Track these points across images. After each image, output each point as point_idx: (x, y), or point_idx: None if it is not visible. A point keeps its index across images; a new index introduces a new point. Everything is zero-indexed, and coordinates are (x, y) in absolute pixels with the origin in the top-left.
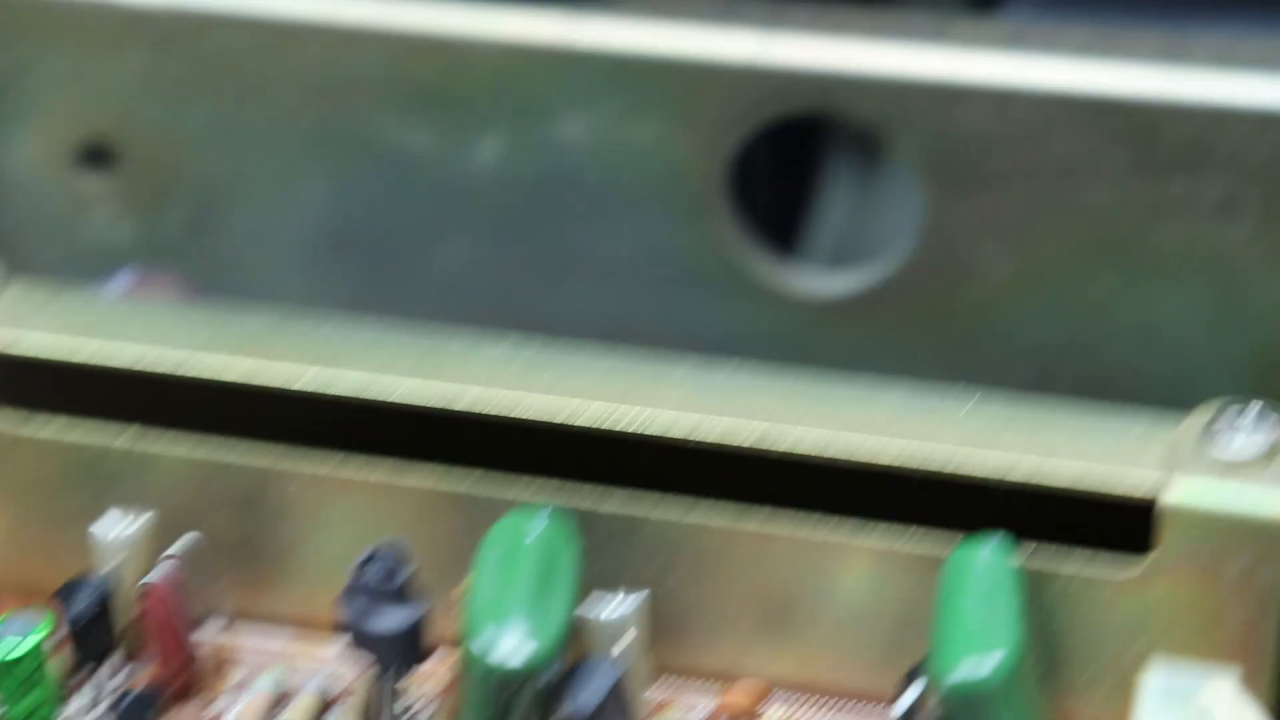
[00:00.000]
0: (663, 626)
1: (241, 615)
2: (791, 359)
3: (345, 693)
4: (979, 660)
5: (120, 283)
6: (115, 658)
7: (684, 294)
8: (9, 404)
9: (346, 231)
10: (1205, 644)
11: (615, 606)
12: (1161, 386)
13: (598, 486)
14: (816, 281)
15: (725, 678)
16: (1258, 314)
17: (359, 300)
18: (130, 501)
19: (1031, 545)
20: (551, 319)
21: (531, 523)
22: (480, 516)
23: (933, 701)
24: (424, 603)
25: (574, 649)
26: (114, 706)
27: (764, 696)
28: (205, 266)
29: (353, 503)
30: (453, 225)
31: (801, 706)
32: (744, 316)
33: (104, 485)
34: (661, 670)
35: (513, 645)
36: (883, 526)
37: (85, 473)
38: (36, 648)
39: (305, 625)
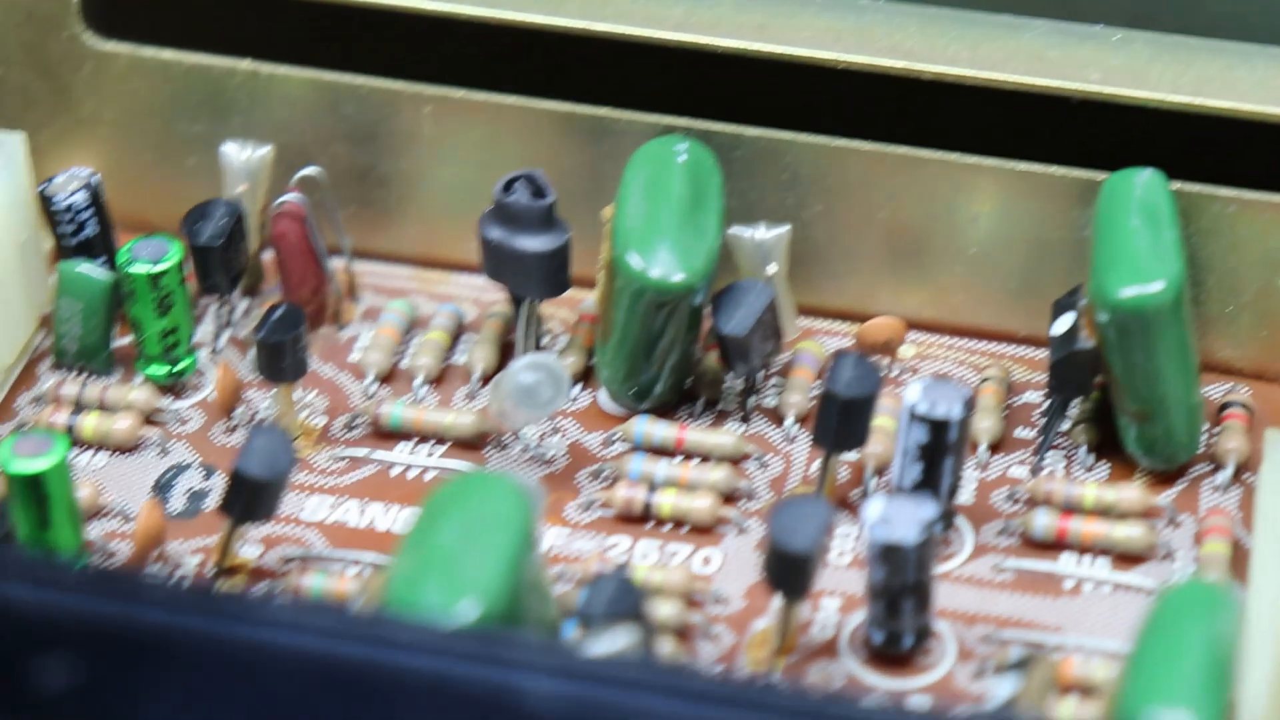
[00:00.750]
0: (799, 261)
1: (361, 253)
2: None
3: (476, 322)
4: (1149, 280)
5: None
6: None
7: None
8: (124, 31)
9: None
10: None
11: (765, 230)
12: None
13: (738, 116)
14: None
15: (858, 318)
16: None
17: None
18: (249, 133)
19: (1181, 175)
20: None
21: (678, 146)
22: (616, 143)
23: (1096, 319)
24: (568, 228)
25: (719, 276)
26: (260, 325)
27: (901, 334)
28: None
29: (482, 130)
30: None
31: (932, 345)
32: None
33: (223, 114)
34: (798, 308)
35: (669, 262)
36: (1027, 157)
37: (205, 99)
38: (175, 266)
39: (426, 264)
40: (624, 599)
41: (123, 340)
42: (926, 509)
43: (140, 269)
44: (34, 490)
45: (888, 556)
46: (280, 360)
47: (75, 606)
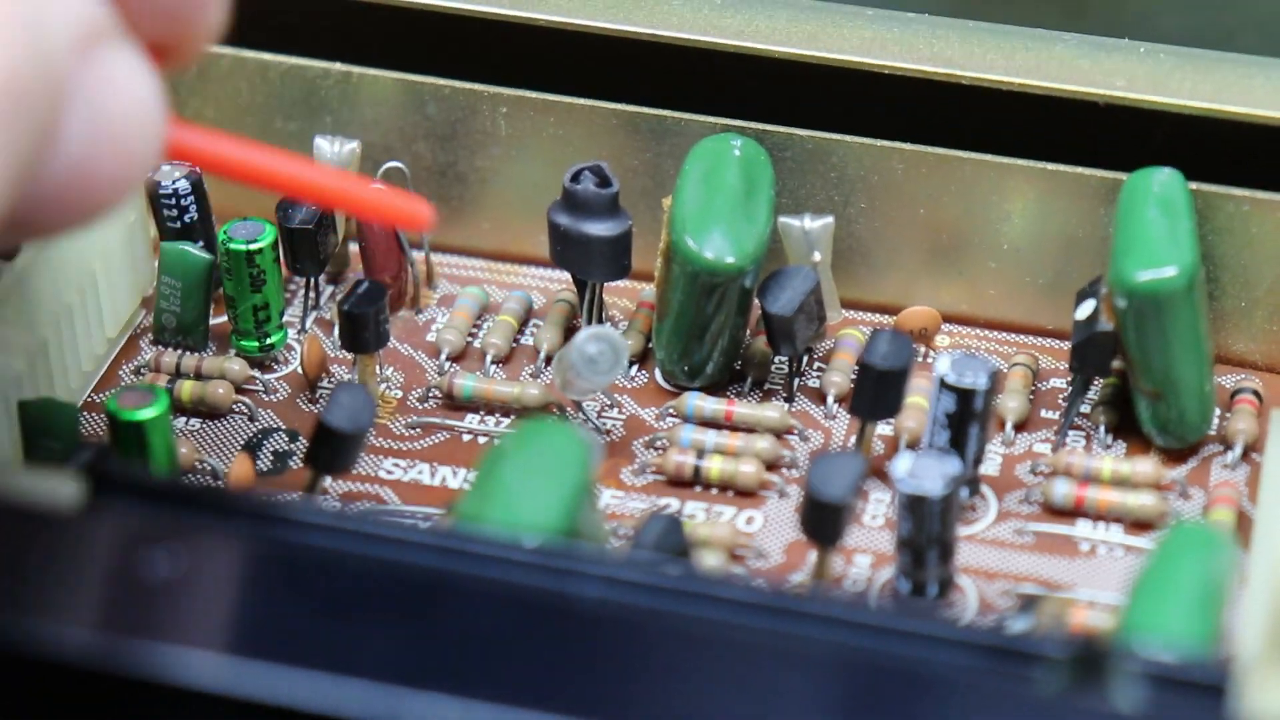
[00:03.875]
0: (842, 255)
1: (438, 246)
2: None
3: (544, 308)
4: (1164, 265)
5: None
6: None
7: None
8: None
9: None
10: None
11: (811, 219)
12: None
13: (790, 119)
14: None
15: (898, 311)
16: None
17: None
18: (339, 130)
19: (1199, 176)
20: None
21: (733, 142)
22: (677, 142)
23: (1115, 304)
24: (630, 217)
25: (768, 264)
26: (346, 297)
27: (936, 323)
28: None
29: (554, 129)
30: None
31: (968, 338)
32: None
33: (315, 112)
34: (842, 301)
35: (722, 245)
36: (1057, 159)
37: (300, 99)
38: (269, 246)
39: (498, 257)
40: (671, 537)
41: (219, 320)
42: (951, 465)
43: (237, 246)
44: (138, 437)
45: (914, 508)
46: (363, 330)
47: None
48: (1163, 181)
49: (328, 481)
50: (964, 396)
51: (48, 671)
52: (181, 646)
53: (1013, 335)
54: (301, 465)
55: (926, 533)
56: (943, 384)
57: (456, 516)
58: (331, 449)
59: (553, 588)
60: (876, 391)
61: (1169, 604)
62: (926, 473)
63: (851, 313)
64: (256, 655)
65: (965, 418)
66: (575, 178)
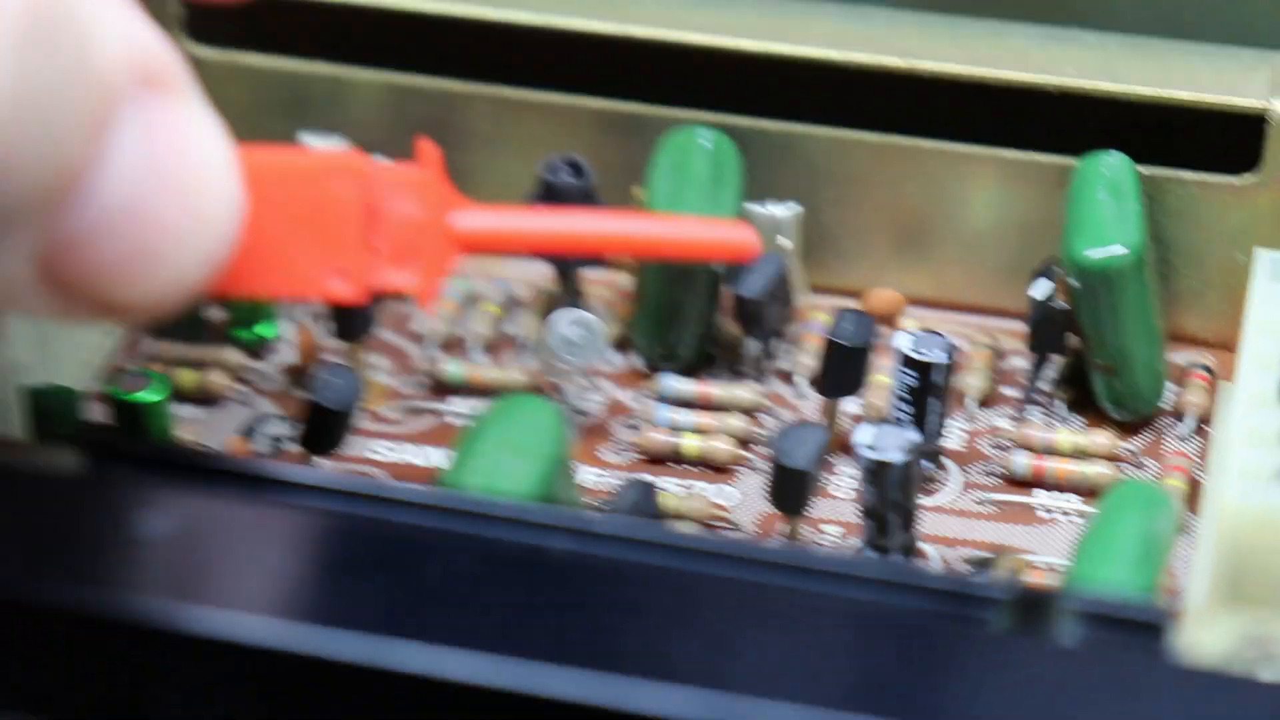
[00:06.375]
0: (810, 243)
1: None
2: None
3: (526, 298)
4: (1112, 243)
5: None
6: None
7: None
8: (218, 38)
9: None
10: None
11: (778, 207)
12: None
13: (757, 111)
14: None
15: (864, 296)
16: None
17: None
18: (326, 127)
19: (1151, 160)
20: None
21: (701, 134)
22: (648, 136)
23: (1069, 283)
24: (605, 204)
25: None
26: None
27: (900, 306)
28: None
29: (531, 126)
30: None
31: (932, 320)
32: None
33: (304, 111)
34: (811, 287)
35: None
36: (1014, 146)
37: (289, 99)
38: None
39: None
40: (646, 503)
41: (214, 312)
42: (911, 435)
43: None
44: (139, 419)
45: (876, 474)
46: (352, 319)
47: None
48: (1111, 165)
49: (323, 464)
50: (924, 370)
51: (60, 622)
52: (182, 601)
53: (975, 317)
54: (296, 447)
55: (889, 500)
56: (904, 359)
57: (439, 484)
58: (322, 427)
59: (528, 542)
60: (840, 368)
61: (1111, 557)
62: (887, 442)
63: (821, 298)
64: (254, 609)
65: (926, 391)
66: (551, 170)
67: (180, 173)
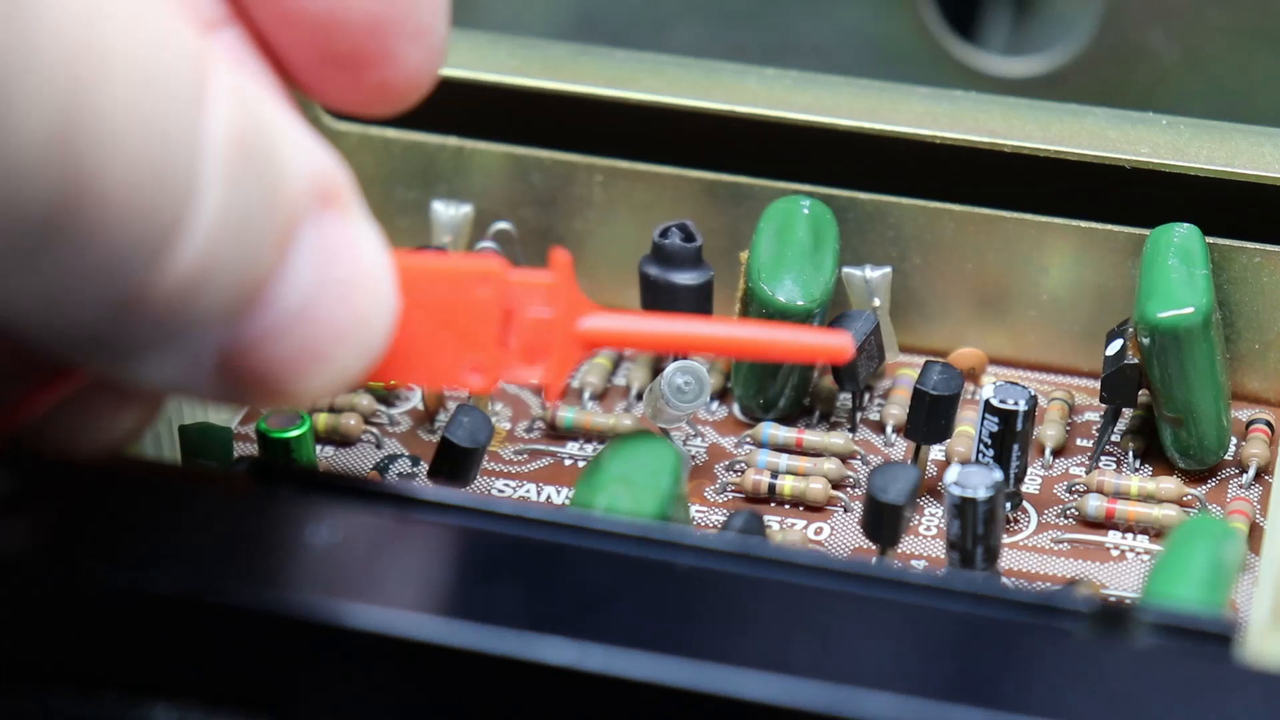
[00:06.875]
0: (899, 305)
1: None
2: None
3: (635, 352)
4: (1183, 305)
5: None
6: None
7: (888, 74)
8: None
9: (590, 19)
10: None
11: (871, 270)
12: None
13: (852, 184)
14: (1007, 63)
15: (948, 355)
16: None
17: None
18: (452, 195)
19: (1217, 232)
20: None
21: (802, 203)
22: (753, 205)
23: (1140, 340)
24: (711, 268)
25: (833, 308)
26: None
27: (983, 363)
28: None
29: (643, 195)
30: (684, 13)
31: (1011, 378)
32: None
33: (432, 181)
34: (899, 348)
35: (793, 290)
36: (1089, 218)
37: (418, 170)
38: None
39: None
40: (753, 527)
41: None
42: (995, 474)
43: None
44: (285, 454)
45: (962, 510)
46: None
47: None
48: (1182, 234)
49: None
50: (1006, 417)
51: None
52: (343, 600)
53: (1051, 375)
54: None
55: (973, 533)
56: (988, 406)
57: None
58: (453, 463)
59: (654, 557)
60: (928, 417)
61: (1183, 579)
62: (973, 480)
63: (908, 357)
64: (411, 608)
65: (1008, 437)
66: (664, 234)
67: (349, 281)
